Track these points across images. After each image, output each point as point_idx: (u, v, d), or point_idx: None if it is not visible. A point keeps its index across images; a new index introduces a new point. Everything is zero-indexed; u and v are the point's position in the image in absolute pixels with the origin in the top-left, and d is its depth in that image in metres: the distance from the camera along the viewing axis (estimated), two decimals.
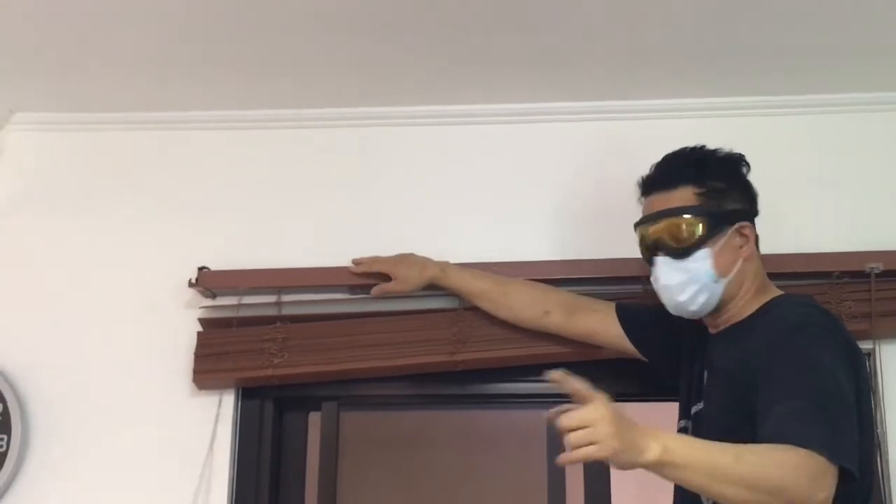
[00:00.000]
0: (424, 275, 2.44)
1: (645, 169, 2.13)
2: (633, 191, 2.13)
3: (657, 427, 1.67)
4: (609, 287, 2.46)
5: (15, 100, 2.68)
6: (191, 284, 2.53)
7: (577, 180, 2.61)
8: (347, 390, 2.56)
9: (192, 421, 2.50)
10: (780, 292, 2.05)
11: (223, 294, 2.56)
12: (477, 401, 2.71)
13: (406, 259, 2.47)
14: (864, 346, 2.40)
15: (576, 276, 2.48)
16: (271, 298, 2.52)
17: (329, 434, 2.57)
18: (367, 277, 2.49)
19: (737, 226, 2.02)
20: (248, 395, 2.54)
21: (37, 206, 2.70)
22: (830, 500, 1.65)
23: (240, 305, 2.53)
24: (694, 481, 1.64)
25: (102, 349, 2.57)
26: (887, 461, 2.37)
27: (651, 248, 2.07)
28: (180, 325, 2.55)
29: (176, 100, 2.65)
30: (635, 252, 2.14)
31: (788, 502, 1.62)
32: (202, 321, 2.54)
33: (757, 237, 2.06)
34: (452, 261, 2.48)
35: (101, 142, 2.72)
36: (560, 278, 2.47)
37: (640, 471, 1.66)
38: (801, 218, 2.54)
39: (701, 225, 2.00)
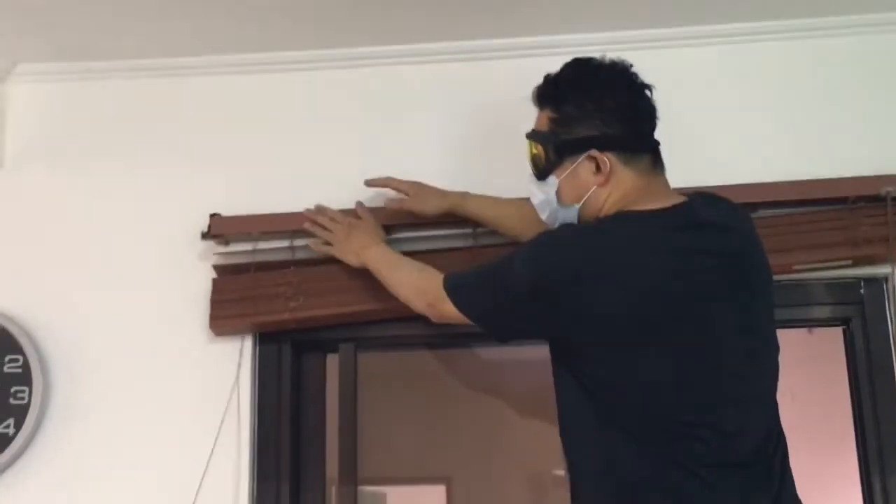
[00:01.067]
0: (446, 200, 2.44)
1: None
2: None
3: (374, 242, 2.38)
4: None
5: (17, 51, 2.66)
6: (203, 235, 2.53)
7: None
8: (364, 332, 2.57)
9: (211, 367, 2.52)
10: (640, 208, 1.91)
11: (236, 240, 2.56)
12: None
13: (423, 184, 2.46)
14: (881, 270, 2.43)
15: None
16: (285, 243, 2.52)
17: (347, 375, 2.58)
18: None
19: (588, 153, 1.95)
20: (266, 339, 2.55)
21: (46, 158, 2.69)
22: (437, 311, 2.11)
23: (254, 251, 2.52)
24: (381, 281, 2.31)
25: (119, 300, 2.58)
26: None
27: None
28: (196, 272, 2.56)
29: (181, 45, 2.62)
30: None
31: (410, 304, 2.21)
32: (217, 268, 2.54)
33: (636, 156, 1.96)
34: None
35: (107, 91, 2.71)
36: None
37: None
38: (816, 143, 2.52)
39: (547, 152, 1.99)
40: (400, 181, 2.46)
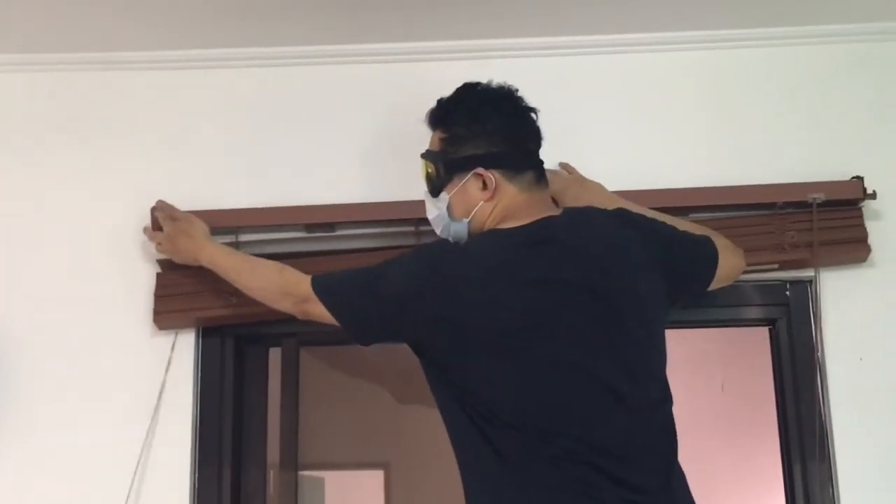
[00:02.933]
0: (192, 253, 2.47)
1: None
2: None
3: (207, 240, 2.42)
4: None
5: None
6: (146, 230, 2.54)
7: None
8: (307, 326, 2.58)
9: (153, 361, 2.54)
10: (513, 224, 2.06)
11: None
12: None
13: (190, 225, 2.48)
14: (805, 274, 2.51)
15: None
16: (229, 238, 2.55)
17: (289, 369, 2.63)
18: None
19: (475, 171, 2.07)
20: (209, 333, 2.58)
21: None
22: (302, 309, 2.20)
23: None
24: (228, 278, 2.36)
25: (63, 292, 2.59)
26: (827, 389, 2.47)
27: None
28: (140, 266, 2.57)
29: (129, 40, 2.64)
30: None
31: (274, 305, 2.29)
32: (161, 262, 2.56)
33: (521, 173, 2.08)
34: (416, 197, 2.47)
35: (53, 82, 2.70)
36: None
37: None
38: (745, 150, 2.60)
39: (438, 171, 2.11)
40: (176, 215, 2.50)
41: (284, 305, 2.26)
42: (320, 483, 4.42)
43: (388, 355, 3.37)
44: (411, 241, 2.52)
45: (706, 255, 2.22)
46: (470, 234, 2.11)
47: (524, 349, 1.94)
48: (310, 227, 2.58)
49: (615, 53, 2.67)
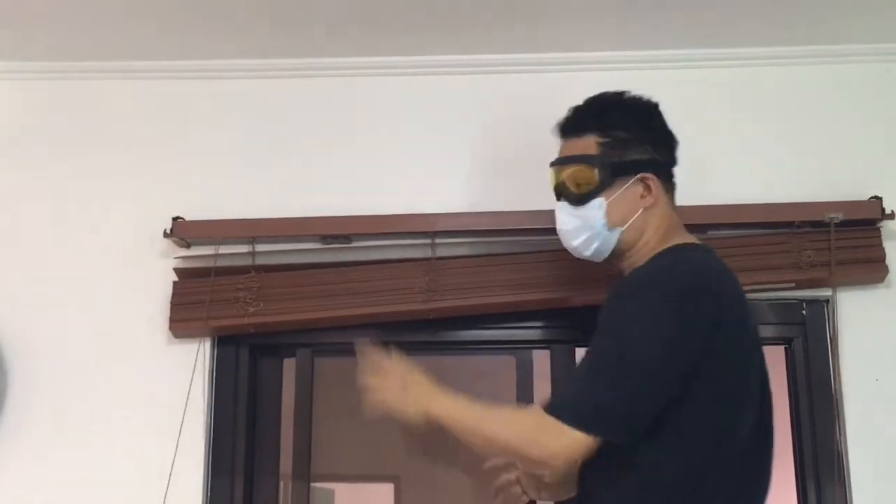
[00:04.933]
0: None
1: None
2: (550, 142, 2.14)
3: (435, 391, 1.94)
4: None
5: None
6: (166, 234, 2.55)
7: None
8: (321, 337, 2.61)
9: (168, 369, 2.55)
10: (686, 241, 1.99)
11: (198, 244, 2.59)
12: (448, 347, 2.77)
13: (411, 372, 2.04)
14: (823, 293, 2.50)
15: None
16: (245, 248, 2.56)
17: (303, 379, 2.63)
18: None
19: (638, 176, 1.99)
20: (224, 342, 2.59)
21: (10, 156, 2.70)
22: (567, 458, 1.76)
23: (216, 255, 2.56)
24: (456, 435, 1.86)
25: (79, 299, 2.60)
26: (842, 409, 2.46)
27: (555, 193, 2.09)
28: (156, 274, 2.58)
29: (151, 49, 2.66)
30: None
31: (522, 457, 1.86)
32: (177, 271, 2.57)
33: (671, 186, 2.04)
34: (433, 210, 2.55)
35: (76, 91, 2.73)
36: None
37: None
38: (763, 168, 2.60)
39: (597, 174, 2.00)
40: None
41: (532, 455, 1.80)
42: (330, 494, 4.42)
43: None
44: (427, 253, 2.53)
45: None
46: (620, 245, 2.00)
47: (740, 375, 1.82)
48: (325, 238, 2.58)
49: (624, 70, 2.64)
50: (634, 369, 1.76)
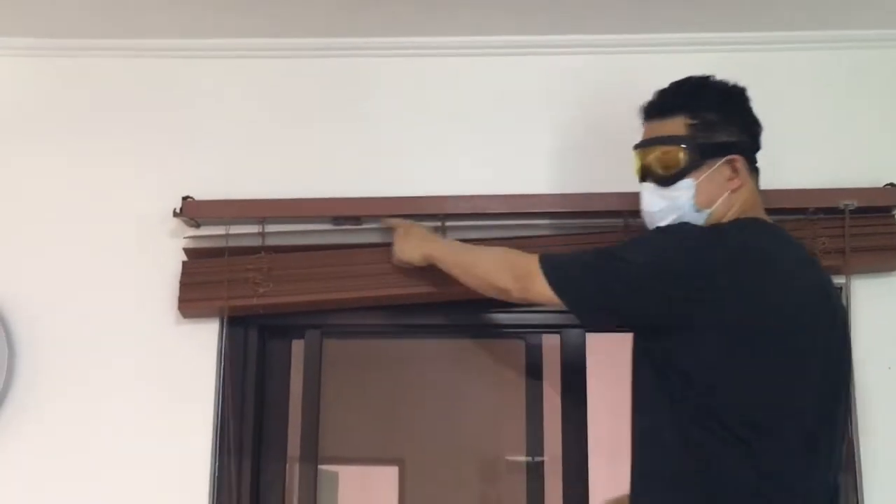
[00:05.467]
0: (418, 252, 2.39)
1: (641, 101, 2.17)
2: (628, 125, 2.16)
3: (436, 238, 2.40)
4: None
5: None
6: (175, 214, 2.54)
7: (572, 114, 2.63)
8: (330, 319, 2.61)
9: (177, 349, 2.54)
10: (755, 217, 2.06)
11: (207, 224, 2.57)
12: (458, 330, 2.77)
13: (413, 225, 2.45)
14: (837, 280, 2.47)
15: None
16: (255, 229, 2.54)
17: (312, 361, 2.62)
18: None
19: (726, 158, 2.04)
20: (233, 323, 2.58)
21: (19, 133, 2.69)
22: (533, 301, 2.08)
23: (226, 236, 2.54)
24: (449, 272, 2.27)
25: (88, 277, 2.59)
26: (854, 397, 2.42)
27: (640, 174, 2.12)
28: (165, 254, 2.57)
29: (162, 28, 2.64)
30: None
31: (492, 281, 2.15)
32: (187, 251, 2.56)
33: (755, 170, 2.10)
34: (444, 192, 2.54)
35: (84, 69, 2.71)
36: (553, 211, 2.52)
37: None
38: (778, 154, 2.57)
39: (687, 155, 2.04)
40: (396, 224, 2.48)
41: (503, 281, 2.12)
42: (334, 477, 4.42)
43: (415, 348, 3.38)
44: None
45: None
46: (689, 222, 2.03)
47: (776, 347, 1.87)
48: (336, 220, 2.57)
49: (639, 54, 2.66)
50: (622, 264, 1.95)
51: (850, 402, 2.41)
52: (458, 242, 2.35)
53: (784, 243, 2.02)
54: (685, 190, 2.04)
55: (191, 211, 2.55)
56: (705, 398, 1.86)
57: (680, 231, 2.01)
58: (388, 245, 2.51)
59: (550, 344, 2.68)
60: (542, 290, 2.02)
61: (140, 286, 2.57)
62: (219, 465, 2.51)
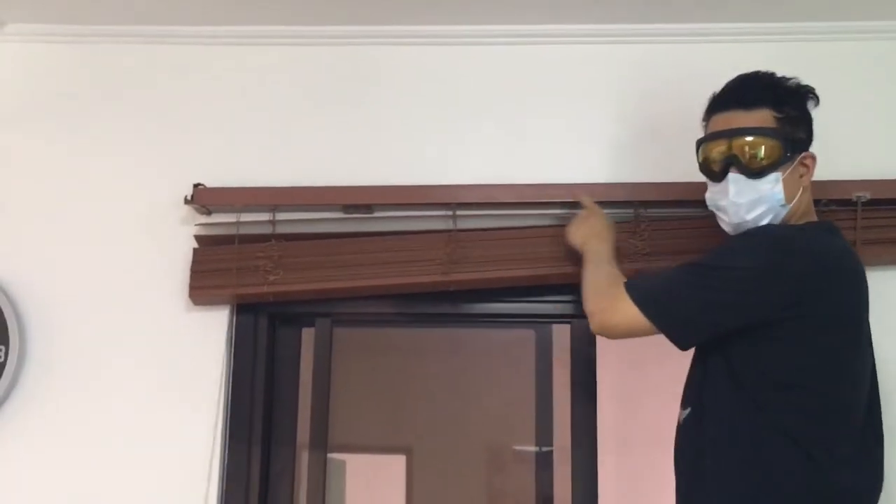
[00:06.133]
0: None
1: (690, 93, 2.20)
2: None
3: (603, 238, 2.30)
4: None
5: (3, 12, 2.65)
6: (186, 201, 2.54)
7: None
8: (341, 307, 2.61)
9: (187, 336, 2.55)
10: (818, 220, 2.13)
11: (218, 211, 2.57)
12: (467, 320, 2.77)
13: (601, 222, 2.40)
14: None
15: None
16: (266, 216, 2.54)
17: (322, 349, 2.63)
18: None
19: (802, 155, 2.08)
20: (243, 310, 2.58)
21: (32, 119, 2.69)
22: (622, 332, 2.06)
23: (237, 223, 2.54)
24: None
25: (99, 263, 2.60)
26: None
27: (723, 165, 2.08)
28: (176, 241, 2.58)
29: (174, 14, 2.63)
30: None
31: (592, 314, 2.11)
32: (198, 238, 2.56)
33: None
34: (455, 181, 2.54)
35: (97, 55, 2.71)
36: (564, 201, 2.51)
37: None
38: None
39: (778, 148, 2.05)
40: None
41: (591, 305, 2.13)
42: (342, 465, 4.43)
43: (426, 337, 3.38)
44: (449, 225, 2.51)
45: None
46: (783, 222, 2.07)
47: (844, 351, 1.96)
48: (347, 208, 2.56)
49: (653, 44, 2.64)
50: (723, 273, 1.95)
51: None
52: (606, 257, 2.25)
53: (843, 240, 2.08)
54: (774, 183, 2.04)
55: (202, 198, 2.55)
56: (788, 402, 1.92)
57: (769, 233, 2.02)
58: (400, 234, 2.52)
59: (560, 334, 2.68)
60: (626, 319, 2.02)
61: (151, 273, 2.58)
62: (228, 453, 2.52)
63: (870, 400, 2.01)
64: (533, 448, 2.80)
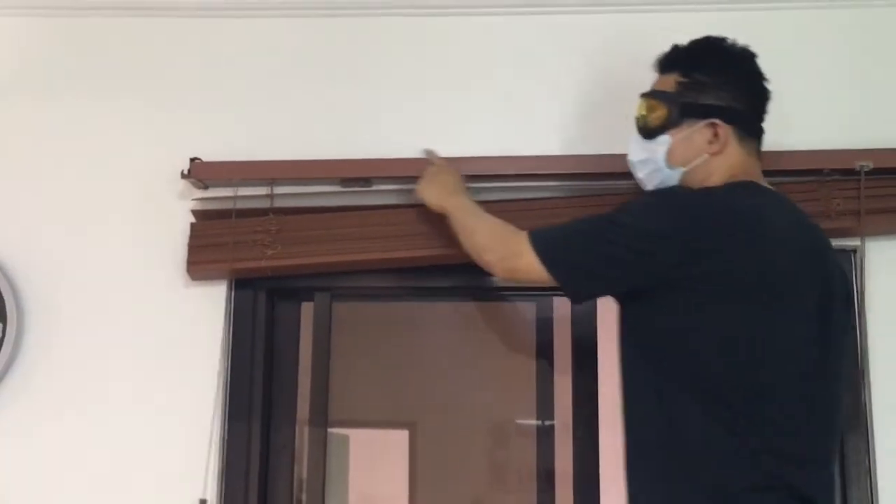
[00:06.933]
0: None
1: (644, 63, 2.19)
2: (639, 85, 2.17)
3: (459, 191, 2.33)
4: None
5: None
6: (183, 175, 2.52)
7: (585, 75, 2.60)
8: (340, 281, 2.60)
9: (185, 311, 2.54)
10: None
11: (215, 185, 2.56)
12: (469, 293, 2.76)
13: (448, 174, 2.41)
14: (851, 242, 2.46)
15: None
16: (264, 190, 2.52)
17: (321, 324, 2.62)
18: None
19: (708, 121, 2.04)
20: (242, 285, 2.57)
21: (26, 93, 2.67)
22: (523, 278, 2.10)
23: (234, 197, 2.52)
24: (454, 231, 2.27)
25: (96, 238, 2.58)
26: (868, 361, 2.42)
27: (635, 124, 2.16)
28: (173, 215, 2.56)
29: None
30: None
31: (482, 252, 2.17)
32: (195, 212, 2.54)
33: (751, 137, 2.09)
34: (453, 153, 2.50)
35: (92, 28, 2.69)
36: (566, 173, 2.50)
37: None
38: (792, 115, 2.54)
39: (666, 111, 2.08)
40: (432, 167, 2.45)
41: (491, 256, 2.16)
42: (345, 440, 4.44)
43: (425, 310, 3.37)
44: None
45: None
46: (681, 185, 2.07)
47: (758, 310, 1.86)
48: (345, 181, 2.54)
49: (652, 13, 2.61)
50: (615, 229, 1.95)
51: (864, 365, 2.41)
52: (475, 206, 2.29)
53: (778, 206, 2.01)
54: (661, 145, 2.08)
55: (199, 172, 2.53)
56: (693, 365, 1.86)
57: (670, 193, 2.05)
58: (399, 207, 2.50)
59: (561, 307, 2.67)
60: (529, 266, 2.04)
61: (148, 248, 2.56)
62: (228, 429, 2.51)
63: (826, 388, 1.92)
64: (534, 421, 2.80)
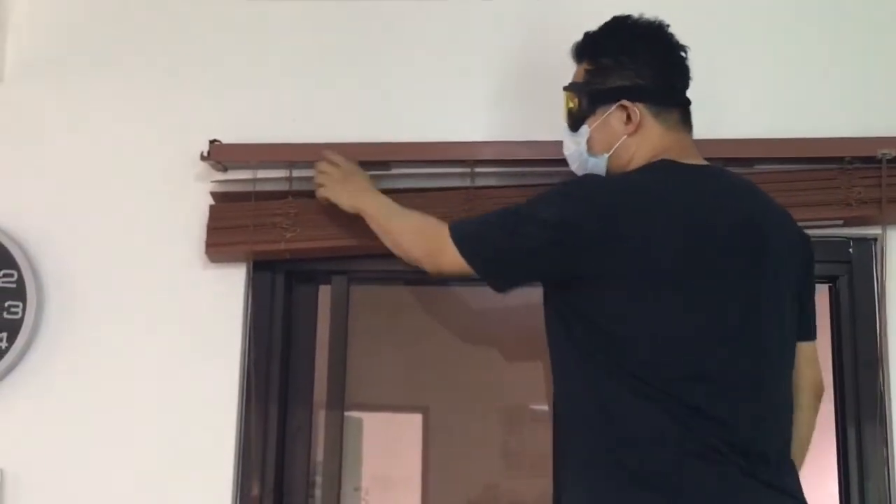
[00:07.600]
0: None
1: None
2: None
3: (371, 190, 2.33)
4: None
5: None
6: (203, 158, 2.52)
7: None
8: (357, 265, 2.60)
9: (204, 293, 2.54)
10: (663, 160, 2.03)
11: (235, 168, 2.56)
12: None
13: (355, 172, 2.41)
14: (871, 230, 2.45)
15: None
16: (283, 173, 2.52)
17: (339, 307, 2.62)
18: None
19: (619, 103, 2.03)
20: (260, 267, 2.57)
21: (47, 72, 2.67)
22: (447, 273, 2.10)
23: (254, 180, 2.52)
24: (374, 229, 2.27)
25: (115, 220, 2.58)
26: (886, 351, 2.41)
27: None
28: (193, 198, 2.56)
29: None
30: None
31: (407, 251, 2.18)
32: (214, 195, 2.54)
33: (668, 111, 2.05)
34: (473, 138, 2.50)
35: (112, 9, 2.69)
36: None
37: None
38: (812, 101, 2.53)
39: (579, 102, 2.09)
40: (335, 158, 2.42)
41: (416, 253, 2.17)
42: (359, 423, 4.44)
43: (443, 294, 3.36)
44: (466, 183, 2.49)
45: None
46: (609, 171, 2.07)
47: (690, 292, 1.87)
48: (364, 165, 2.53)
49: None
50: (526, 220, 1.96)
51: (883, 353, 2.40)
52: (391, 203, 2.28)
53: (694, 182, 1.97)
54: (583, 136, 2.09)
55: (218, 154, 2.53)
56: (617, 353, 1.86)
57: (578, 182, 2.06)
58: (417, 191, 2.49)
59: None
60: (453, 260, 2.04)
61: (167, 230, 2.57)
62: (245, 411, 2.51)
63: (772, 364, 1.93)
64: (548, 407, 2.80)
